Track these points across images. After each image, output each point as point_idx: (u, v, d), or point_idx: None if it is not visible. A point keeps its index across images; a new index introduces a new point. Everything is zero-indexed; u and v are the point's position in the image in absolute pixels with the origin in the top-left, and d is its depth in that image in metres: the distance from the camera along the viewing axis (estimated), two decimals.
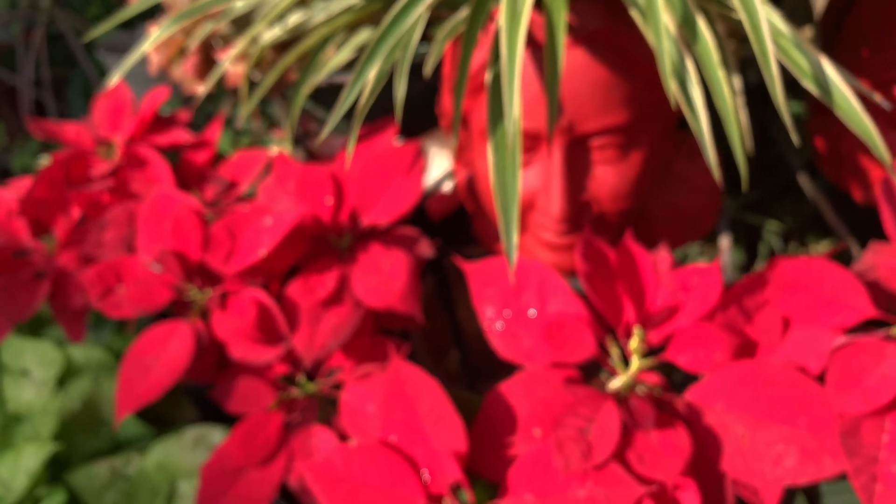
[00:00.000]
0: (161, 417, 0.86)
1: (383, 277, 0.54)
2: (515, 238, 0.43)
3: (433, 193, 0.76)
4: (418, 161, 0.58)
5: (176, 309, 0.57)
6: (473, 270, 0.50)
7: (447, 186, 0.79)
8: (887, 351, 0.41)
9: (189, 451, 0.72)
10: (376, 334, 0.56)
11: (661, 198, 0.59)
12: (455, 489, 0.43)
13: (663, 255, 0.50)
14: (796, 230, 0.68)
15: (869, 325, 0.44)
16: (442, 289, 0.80)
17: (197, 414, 0.85)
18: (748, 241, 0.70)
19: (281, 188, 0.62)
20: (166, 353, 0.53)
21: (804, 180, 0.66)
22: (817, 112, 0.64)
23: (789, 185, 0.70)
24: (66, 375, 0.85)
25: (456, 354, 0.82)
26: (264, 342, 0.53)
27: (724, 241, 0.62)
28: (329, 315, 0.54)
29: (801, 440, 0.42)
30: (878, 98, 0.42)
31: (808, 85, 0.41)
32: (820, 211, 0.65)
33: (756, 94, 0.75)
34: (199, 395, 0.85)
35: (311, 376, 0.56)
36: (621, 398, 0.44)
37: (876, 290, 0.45)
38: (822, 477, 0.41)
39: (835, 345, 0.42)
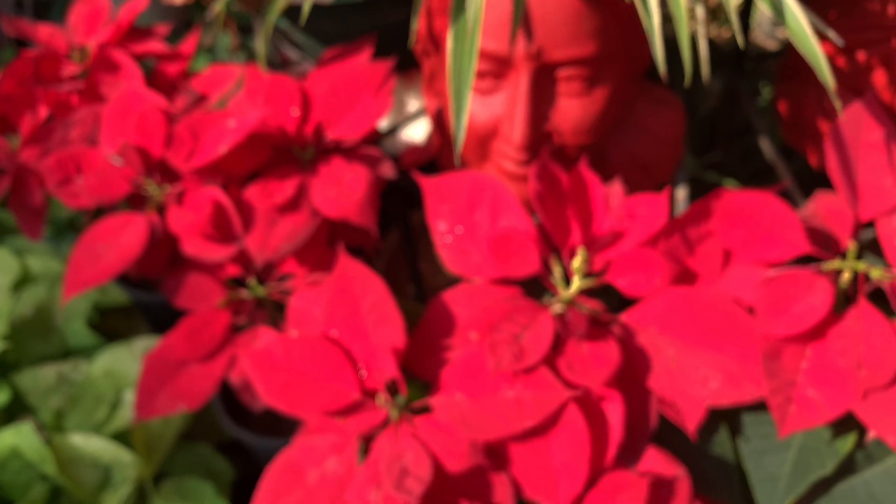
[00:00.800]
0: (114, 331, 0.86)
1: (342, 189, 0.54)
2: (464, 121, 0.43)
3: (408, 146, 0.76)
4: (388, 81, 0.59)
5: (134, 204, 0.57)
6: (430, 186, 0.51)
7: (421, 137, 0.80)
8: (816, 284, 0.42)
9: (137, 360, 0.72)
10: (331, 246, 0.56)
11: (621, 144, 0.60)
12: (390, 386, 0.44)
13: (616, 187, 0.51)
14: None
15: (804, 262, 0.45)
16: (406, 243, 0.80)
17: (149, 330, 0.85)
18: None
19: (251, 101, 0.62)
20: (118, 242, 0.53)
21: (765, 144, 0.68)
22: (783, 78, 0.65)
23: (753, 149, 0.72)
24: (22, 283, 0.85)
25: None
26: (217, 240, 0.54)
27: (681, 193, 0.63)
28: (285, 221, 0.54)
29: (727, 366, 0.43)
30: (831, 34, 0.43)
31: (763, 4, 0.42)
32: (777, 173, 0.67)
33: (730, 64, 0.76)
34: (153, 313, 0.86)
35: (262, 281, 0.57)
36: (559, 314, 0.45)
37: (816, 232, 0.47)
38: (743, 400, 0.43)
39: (768, 276, 0.43)
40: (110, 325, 0.87)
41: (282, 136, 0.58)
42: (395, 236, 0.80)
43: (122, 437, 0.72)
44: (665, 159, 0.63)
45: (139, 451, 0.70)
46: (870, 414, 0.40)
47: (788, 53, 0.65)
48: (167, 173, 0.57)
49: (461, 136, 0.43)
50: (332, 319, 0.46)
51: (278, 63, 0.85)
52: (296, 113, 0.58)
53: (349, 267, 0.46)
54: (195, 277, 0.55)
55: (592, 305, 0.47)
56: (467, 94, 0.43)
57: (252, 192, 0.55)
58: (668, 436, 0.47)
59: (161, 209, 0.56)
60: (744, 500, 0.47)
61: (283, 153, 0.58)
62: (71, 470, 0.71)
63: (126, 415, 0.72)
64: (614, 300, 0.50)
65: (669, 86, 0.72)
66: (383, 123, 0.81)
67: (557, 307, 0.46)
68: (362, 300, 0.45)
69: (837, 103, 0.40)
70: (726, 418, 0.48)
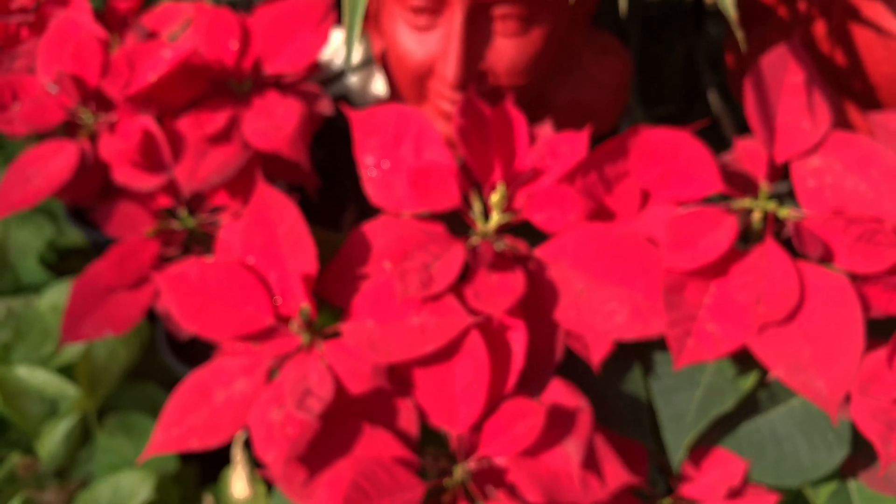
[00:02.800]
0: (74, 272, 0.87)
1: (274, 122, 0.54)
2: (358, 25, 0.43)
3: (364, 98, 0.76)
4: (328, 16, 0.58)
5: (69, 132, 0.57)
6: (358, 119, 0.51)
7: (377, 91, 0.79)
8: (724, 221, 0.42)
9: None
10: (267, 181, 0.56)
11: (564, 90, 0.60)
12: (304, 311, 0.45)
13: (546, 128, 0.51)
14: None
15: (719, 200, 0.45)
16: (359, 207, 0.80)
17: None
18: None
19: (195, 36, 0.61)
20: (48, 168, 0.53)
21: (713, 97, 0.68)
22: (731, 32, 0.65)
23: (705, 103, 0.72)
24: None
25: None
26: (147, 169, 0.54)
27: None
28: (216, 152, 0.55)
29: (635, 300, 0.44)
30: None
31: None
32: (722, 127, 0.67)
33: (687, 18, 0.76)
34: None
35: (193, 212, 0.57)
36: (473, 247, 0.46)
37: (734, 174, 0.47)
38: (648, 335, 0.43)
39: (677, 213, 0.43)
40: (69, 267, 0.88)
41: (220, 70, 0.58)
42: (353, 209, 0.79)
43: (68, 372, 0.72)
44: (608, 106, 0.63)
45: (84, 386, 0.70)
46: (763, 349, 0.40)
47: (740, 5, 0.65)
48: (103, 102, 0.57)
49: (353, 41, 0.43)
50: (248, 246, 0.46)
51: (242, 3, 0.84)
52: (234, 46, 0.58)
53: (266, 194, 0.46)
54: (126, 206, 0.55)
55: (511, 241, 0.48)
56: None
57: (184, 123, 0.55)
58: (583, 373, 0.48)
59: (94, 137, 0.56)
60: (653, 437, 0.48)
61: (220, 86, 0.58)
62: (16, 402, 0.72)
63: (73, 349, 0.73)
64: (541, 240, 0.50)
65: (623, 39, 0.72)
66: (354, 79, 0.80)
67: (475, 240, 0.46)
68: (278, 227, 0.46)
69: (741, 38, 0.40)
70: (640, 357, 0.49)
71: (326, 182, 0.73)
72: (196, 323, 0.45)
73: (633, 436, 0.48)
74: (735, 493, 0.49)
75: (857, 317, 0.40)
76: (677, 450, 0.47)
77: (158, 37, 0.67)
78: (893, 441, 0.37)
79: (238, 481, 0.60)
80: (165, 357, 0.75)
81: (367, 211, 0.78)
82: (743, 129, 0.66)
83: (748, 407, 0.47)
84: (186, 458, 0.73)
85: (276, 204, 0.46)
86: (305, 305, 0.44)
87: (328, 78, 0.77)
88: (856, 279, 0.41)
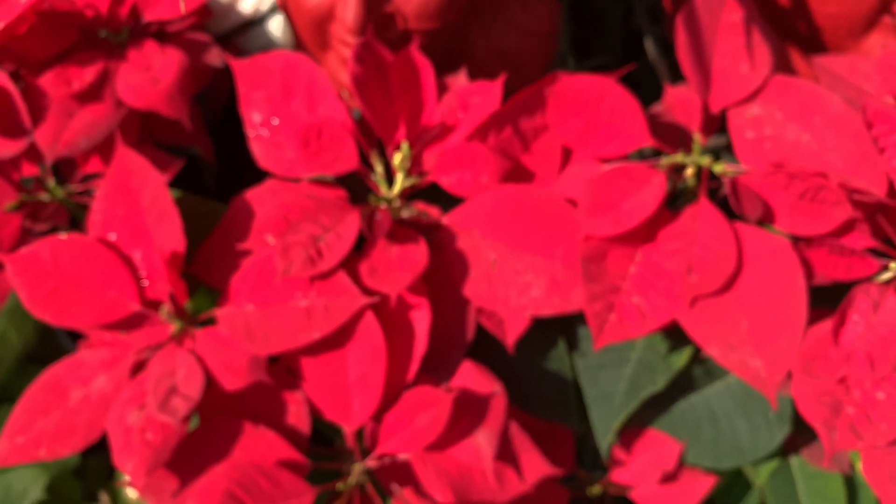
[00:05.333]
0: None
1: (150, 76, 0.47)
2: None
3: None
4: None
5: None
6: (241, 68, 0.44)
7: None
8: (652, 179, 0.37)
9: None
10: (145, 144, 0.50)
11: (484, 38, 0.54)
12: (172, 295, 0.39)
13: (461, 78, 0.45)
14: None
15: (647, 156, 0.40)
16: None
17: None
18: None
19: None
20: None
21: (650, 46, 0.62)
22: None
23: (641, 56, 0.66)
24: None
25: None
26: (3, 133, 0.46)
27: None
28: (84, 112, 0.47)
29: (553, 272, 0.38)
30: None
31: None
32: (658, 75, 0.61)
33: None
34: None
35: (63, 182, 0.50)
36: (371, 214, 0.40)
37: (667, 126, 0.42)
38: (568, 309, 0.38)
39: (600, 170, 0.38)
40: None
41: (91, 17, 0.51)
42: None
43: None
44: (536, 56, 0.57)
45: None
46: (695, 324, 0.36)
47: None
48: None
49: None
50: (109, 220, 0.40)
51: None
52: None
53: (126, 158, 0.40)
54: None
55: (421, 208, 0.42)
56: None
57: (47, 80, 0.48)
58: (500, 354, 0.43)
59: None
60: (581, 419, 0.44)
61: (91, 37, 0.51)
62: None
63: None
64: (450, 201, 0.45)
65: None
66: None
67: (379, 204, 0.40)
68: (141, 197, 0.39)
69: None
70: (565, 332, 0.44)
71: (233, 148, 0.66)
72: (49, 310, 0.38)
73: (558, 419, 0.43)
74: (669, 476, 0.45)
75: (800, 285, 0.35)
76: (606, 433, 0.42)
77: None
78: (839, 427, 0.33)
79: None
80: (63, 340, 0.68)
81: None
82: (678, 78, 0.61)
83: (683, 384, 0.43)
84: (91, 450, 0.67)
85: (137, 170, 0.39)
86: (171, 288, 0.38)
87: (236, 27, 0.69)
88: (798, 242, 0.36)
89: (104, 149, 0.49)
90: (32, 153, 0.49)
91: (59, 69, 0.48)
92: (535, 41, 0.56)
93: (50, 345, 0.71)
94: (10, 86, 0.47)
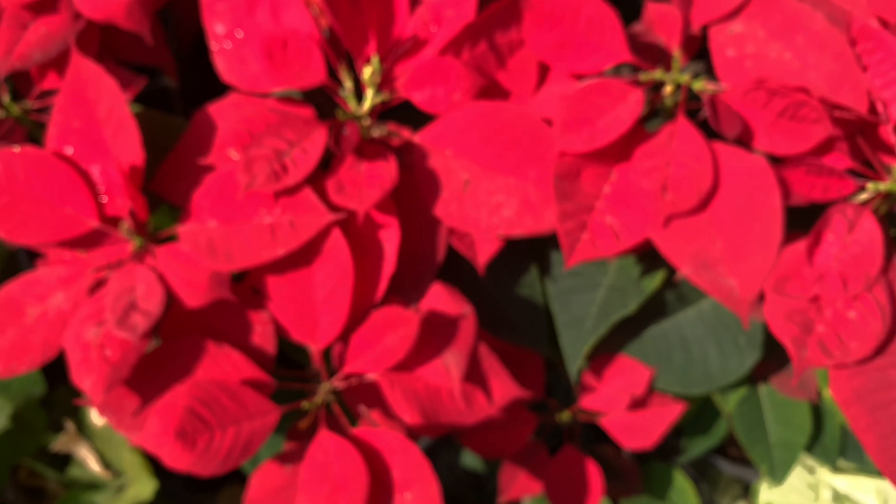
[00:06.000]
0: None
1: None
2: None
3: None
4: None
5: None
6: None
7: None
8: (629, 95, 0.36)
9: None
10: (106, 60, 0.47)
11: None
12: (132, 211, 0.37)
13: None
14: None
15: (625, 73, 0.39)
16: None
17: None
18: None
19: None
20: None
21: None
22: None
23: None
24: None
25: None
26: None
27: None
28: (39, 23, 0.45)
29: (526, 192, 0.37)
30: None
31: None
32: None
33: None
34: None
35: (19, 98, 0.48)
36: (338, 128, 0.38)
37: (647, 45, 0.40)
38: (540, 230, 0.37)
39: (576, 86, 0.37)
40: None
41: None
42: None
43: None
44: None
45: None
46: (669, 243, 0.35)
47: None
48: None
49: None
50: (65, 133, 0.38)
51: None
52: None
53: (81, 67, 0.38)
54: None
55: (395, 128, 0.41)
56: None
57: None
58: (470, 277, 0.42)
59: None
60: (550, 344, 0.43)
61: None
62: None
63: None
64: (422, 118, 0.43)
65: None
66: None
67: (348, 120, 0.39)
68: (97, 109, 0.37)
69: None
70: (537, 257, 0.43)
71: (201, 67, 0.63)
72: (2, 227, 0.37)
73: (528, 344, 0.43)
74: (638, 402, 0.45)
75: (776, 205, 0.34)
76: (576, 358, 0.42)
77: None
78: (809, 345, 0.33)
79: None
80: (24, 263, 0.67)
81: None
82: None
83: (654, 310, 0.42)
84: (57, 379, 0.66)
85: (93, 80, 0.38)
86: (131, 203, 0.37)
87: None
88: (775, 162, 0.36)
89: (61, 64, 0.47)
90: None
91: None
92: None
93: (11, 270, 0.70)
94: None
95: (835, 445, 0.49)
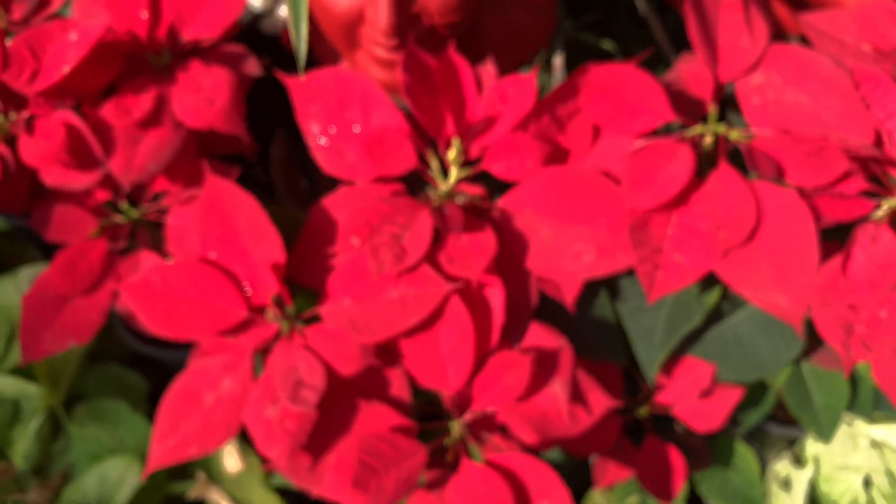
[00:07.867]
0: (7, 263, 0.82)
1: (204, 96, 0.52)
2: (304, 29, 0.41)
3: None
4: None
5: None
6: (296, 85, 0.49)
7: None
8: (679, 151, 0.43)
9: (25, 290, 0.70)
10: (202, 157, 0.54)
11: (494, 17, 0.58)
12: (277, 300, 0.44)
13: (489, 67, 0.50)
14: (630, 50, 0.70)
15: (671, 129, 0.46)
16: (292, 139, 0.77)
17: (38, 253, 0.81)
18: (583, 62, 0.71)
19: (95, 3, 0.56)
20: None
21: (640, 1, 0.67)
22: None
23: (631, 6, 0.71)
24: None
25: None
26: (78, 167, 0.50)
27: (558, 61, 0.62)
28: (148, 137, 0.51)
29: (599, 238, 0.45)
30: None
31: None
32: (650, 29, 0.66)
33: None
34: (41, 240, 0.82)
35: (135, 202, 0.54)
36: (439, 208, 0.45)
37: (680, 97, 0.48)
38: (616, 270, 0.45)
39: (633, 148, 0.44)
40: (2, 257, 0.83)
41: (134, 44, 0.54)
42: (281, 135, 0.77)
43: (26, 370, 0.70)
44: (540, 27, 0.61)
45: (43, 381, 0.69)
46: (728, 272, 0.42)
47: None
48: (10, 99, 0.52)
49: (302, 49, 0.41)
50: (207, 241, 0.45)
51: None
52: (145, 15, 0.54)
53: (217, 185, 0.45)
54: (62, 208, 0.52)
55: (474, 192, 0.48)
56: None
57: (108, 110, 0.51)
58: (551, 308, 0.49)
59: (11, 140, 0.52)
60: (625, 356, 0.51)
61: (136, 63, 0.54)
62: None
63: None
64: (496, 185, 0.51)
65: None
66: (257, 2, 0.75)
67: (437, 201, 0.46)
68: (236, 218, 0.44)
69: None
70: (606, 282, 0.50)
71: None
72: (168, 328, 0.44)
73: (607, 358, 0.51)
74: (706, 393, 0.53)
75: (811, 229, 0.42)
76: (651, 366, 0.50)
77: (50, 6, 0.61)
78: (853, 345, 0.40)
79: (229, 456, 0.61)
80: (122, 335, 0.73)
81: (296, 138, 0.75)
82: (672, 33, 0.66)
83: (712, 316, 0.50)
84: None
85: (230, 196, 0.44)
86: (277, 293, 0.44)
87: (251, 20, 0.72)
88: (804, 193, 0.43)
89: (167, 167, 0.54)
90: (103, 179, 0.53)
91: (117, 99, 0.52)
92: (538, 12, 0.60)
93: (109, 341, 0.77)
94: (79, 121, 0.50)
95: (868, 403, 0.57)
